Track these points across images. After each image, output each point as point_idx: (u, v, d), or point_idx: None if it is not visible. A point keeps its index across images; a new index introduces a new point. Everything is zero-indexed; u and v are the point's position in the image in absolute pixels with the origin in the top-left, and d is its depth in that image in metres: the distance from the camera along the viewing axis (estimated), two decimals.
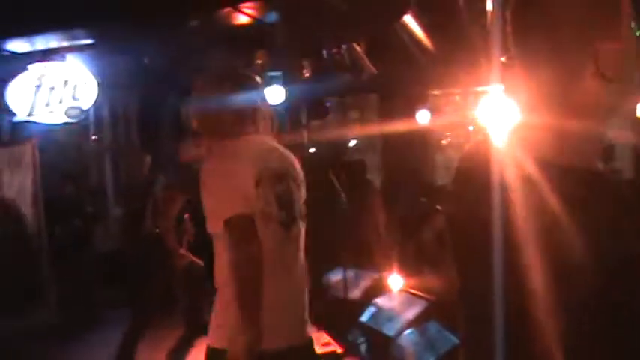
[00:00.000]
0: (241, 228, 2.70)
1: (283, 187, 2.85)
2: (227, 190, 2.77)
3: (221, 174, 2.81)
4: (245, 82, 3.04)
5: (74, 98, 8.32)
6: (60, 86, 8.22)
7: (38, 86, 8.10)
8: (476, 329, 1.58)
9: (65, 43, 8.16)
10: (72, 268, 8.02)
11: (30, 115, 8.10)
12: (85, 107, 8.60)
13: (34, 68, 8.08)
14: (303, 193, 3.03)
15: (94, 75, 8.44)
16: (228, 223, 2.71)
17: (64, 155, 9.25)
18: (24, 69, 8.05)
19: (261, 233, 2.73)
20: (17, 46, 7.96)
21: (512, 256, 1.38)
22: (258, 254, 2.69)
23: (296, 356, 2.89)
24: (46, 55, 8.12)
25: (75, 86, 8.32)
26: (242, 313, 2.67)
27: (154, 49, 8.46)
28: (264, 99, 3.17)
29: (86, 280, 8.27)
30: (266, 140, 3.01)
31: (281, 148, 3.00)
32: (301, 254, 3.01)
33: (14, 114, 8.11)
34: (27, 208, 7.56)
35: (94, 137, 10.46)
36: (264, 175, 2.81)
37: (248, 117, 2.99)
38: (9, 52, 8.08)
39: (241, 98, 2.97)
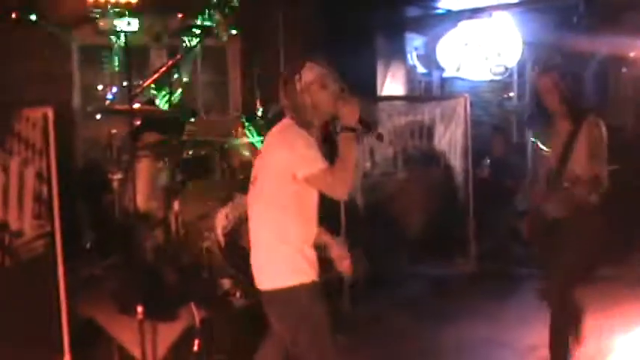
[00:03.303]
0: None
1: None
2: None
3: None
4: None
5: (499, 55, 8.27)
6: (486, 43, 8.25)
7: (466, 43, 8.20)
8: None
9: (493, 1, 8.14)
10: (493, 222, 7.99)
11: (457, 70, 8.25)
12: (509, 65, 8.52)
13: (463, 26, 8.21)
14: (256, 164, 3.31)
15: (519, 33, 8.29)
16: None
17: (488, 111, 9.26)
18: (454, 26, 8.20)
19: None
20: (448, 3, 8.14)
21: None
22: None
23: None
24: (474, 12, 8.20)
25: (500, 44, 8.27)
26: None
27: (586, 7, 7.91)
28: None
29: (504, 235, 8.19)
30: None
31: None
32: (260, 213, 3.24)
33: (443, 69, 8.31)
34: (456, 160, 7.74)
35: (513, 95, 10.29)
36: None
37: None
38: (441, 9, 8.30)
39: None
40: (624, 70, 10.59)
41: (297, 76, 3.14)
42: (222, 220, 5.29)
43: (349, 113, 3.09)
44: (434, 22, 8.43)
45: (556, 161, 4.38)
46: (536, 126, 5.00)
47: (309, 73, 3.14)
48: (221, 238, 5.26)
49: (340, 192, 3.10)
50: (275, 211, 3.12)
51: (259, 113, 6.60)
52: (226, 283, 5.16)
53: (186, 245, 5.29)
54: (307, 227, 3.18)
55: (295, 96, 3.14)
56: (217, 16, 6.57)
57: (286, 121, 3.20)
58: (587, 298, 6.11)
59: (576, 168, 4.21)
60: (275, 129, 3.23)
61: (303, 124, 3.14)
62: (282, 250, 3.11)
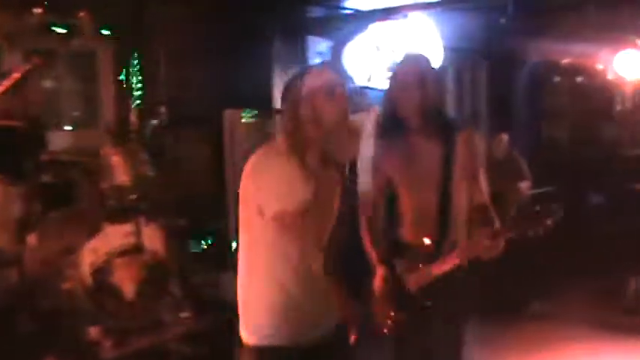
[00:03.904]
0: None
1: None
2: None
3: None
4: None
5: None
6: (401, 49, 8.30)
7: (377, 48, 8.24)
8: None
9: (409, 0, 8.21)
10: None
11: (369, 80, 8.27)
12: None
13: (374, 28, 8.22)
14: None
15: (439, 36, 8.41)
16: None
17: None
18: (363, 29, 8.21)
19: None
20: (357, 3, 8.16)
21: None
22: None
23: None
24: (387, 13, 8.22)
25: (417, 49, 8.34)
26: None
27: (515, 7, 8.09)
28: None
29: None
30: None
31: None
32: None
33: (352, 78, 8.34)
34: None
35: None
36: None
37: None
38: (349, 10, 8.32)
39: None
40: (558, 79, 10.97)
41: (298, 81, 2.83)
42: (89, 255, 5.18)
43: (348, 144, 2.86)
44: (340, 23, 8.36)
45: (427, 202, 3.51)
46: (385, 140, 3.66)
47: (316, 78, 2.83)
48: (88, 277, 5.17)
49: (312, 241, 2.83)
50: (241, 250, 2.90)
51: (135, 128, 6.53)
52: (94, 330, 5.02)
53: (44, 287, 5.12)
54: (270, 284, 2.83)
55: (293, 106, 2.82)
56: (83, 13, 6.48)
57: (270, 144, 2.91)
58: (516, 339, 6.29)
59: (460, 207, 3.53)
60: (256, 151, 2.87)
61: (297, 144, 2.80)
62: (240, 296, 2.92)
